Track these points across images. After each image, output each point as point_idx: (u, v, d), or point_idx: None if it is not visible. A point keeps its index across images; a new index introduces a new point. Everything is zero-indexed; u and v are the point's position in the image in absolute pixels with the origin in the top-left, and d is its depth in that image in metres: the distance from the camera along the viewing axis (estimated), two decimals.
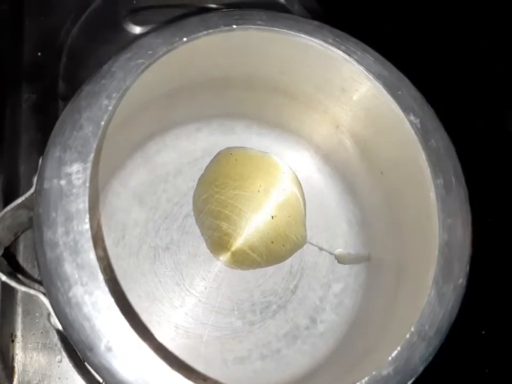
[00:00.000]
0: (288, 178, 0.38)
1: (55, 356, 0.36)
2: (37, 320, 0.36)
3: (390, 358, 0.23)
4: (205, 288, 0.35)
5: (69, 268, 0.22)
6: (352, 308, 0.36)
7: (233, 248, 0.36)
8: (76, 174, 0.23)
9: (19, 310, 0.36)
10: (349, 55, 0.28)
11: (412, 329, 0.24)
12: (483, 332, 0.42)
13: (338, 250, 0.37)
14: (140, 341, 0.21)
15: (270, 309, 0.35)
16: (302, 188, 0.38)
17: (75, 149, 0.23)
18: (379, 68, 0.28)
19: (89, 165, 0.23)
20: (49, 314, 0.23)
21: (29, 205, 0.27)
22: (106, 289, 0.22)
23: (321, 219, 0.38)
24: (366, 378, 0.22)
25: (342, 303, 0.36)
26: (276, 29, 0.27)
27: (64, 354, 0.36)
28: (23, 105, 0.41)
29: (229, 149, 0.38)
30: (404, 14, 0.48)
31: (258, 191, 0.37)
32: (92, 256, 0.22)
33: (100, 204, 0.34)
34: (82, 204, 0.22)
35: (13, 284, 0.25)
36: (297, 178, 0.38)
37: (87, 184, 0.23)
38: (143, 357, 0.21)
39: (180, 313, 0.34)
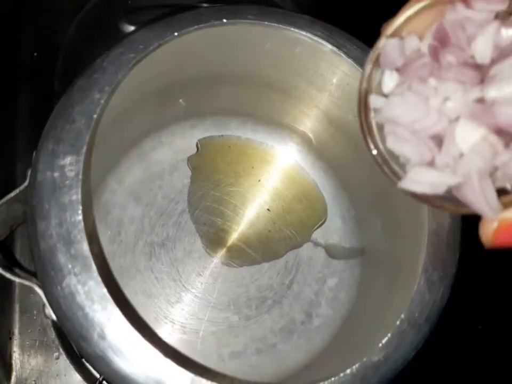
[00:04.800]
0: (284, 173, 0.38)
1: (53, 353, 0.36)
2: (34, 318, 0.36)
3: (380, 345, 0.23)
4: (201, 284, 0.35)
5: (62, 258, 0.22)
6: (348, 302, 0.36)
7: (228, 244, 0.36)
8: (69, 166, 0.23)
9: (16, 307, 0.36)
10: (338, 48, 0.28)
11: (402, 316, 0.24)
12: (480, 327, 0.43)
13: (329, 242, 0.37)
14: (132, 329, 0.21)
15: (265, 304, 0.35)
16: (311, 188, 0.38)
17: (68, 142, 0.24)
18: None
19: (82, 157, 0.24)
20: (44, 305, 0.23)
21: (23, 199, 0.27)
22: (99, 279, 0.22)
23: None
24: (357, 365, 0.22)
25: (337, 297, 0.36)
26: (265, 22, 0.28)
27: (61, 351, 0.36)
28: (20, 105, 0.41)
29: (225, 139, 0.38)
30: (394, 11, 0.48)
31: (255, 185, 0.37)
32: (85, 247, 0.22)
33: (96, 201, 0.34)
34: (75, 195, 0.23)
35: (8, 275, 0.25)
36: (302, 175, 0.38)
37: (80, 176, 0.23)
38: (136, 344, 0.22)
39: (176, 309, 0.34)
